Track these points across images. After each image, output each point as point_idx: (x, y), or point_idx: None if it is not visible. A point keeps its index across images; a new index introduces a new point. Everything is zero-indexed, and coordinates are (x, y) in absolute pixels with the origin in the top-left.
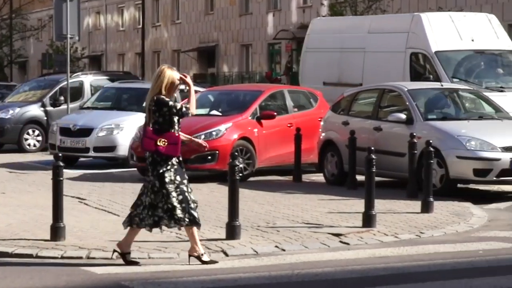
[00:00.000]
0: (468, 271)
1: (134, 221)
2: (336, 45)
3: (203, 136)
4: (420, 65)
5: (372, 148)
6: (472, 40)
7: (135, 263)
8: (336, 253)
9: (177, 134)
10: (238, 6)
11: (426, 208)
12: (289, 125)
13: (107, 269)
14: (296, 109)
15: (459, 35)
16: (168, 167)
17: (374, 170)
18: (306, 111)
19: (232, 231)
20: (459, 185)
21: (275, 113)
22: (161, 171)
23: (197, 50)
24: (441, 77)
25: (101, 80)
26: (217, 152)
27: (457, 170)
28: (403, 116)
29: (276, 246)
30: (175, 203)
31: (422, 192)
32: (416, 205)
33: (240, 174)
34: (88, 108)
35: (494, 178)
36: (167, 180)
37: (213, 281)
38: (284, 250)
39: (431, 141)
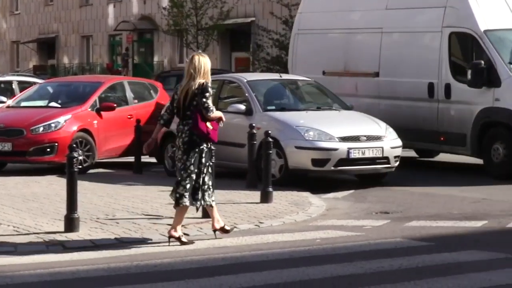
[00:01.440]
0: (305, 259)
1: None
2: (340, 25)
3: (41, 128)
4: (464, 48)
5: None
6: None
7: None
8: (176, 244)
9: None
10: None
11: (265, 198)
12: (129, 116)
13: None
14: (136, 101)
15: (510, 10)
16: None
17: (213, 161)
18: (146, 102)
19: (70, 224)
20: (299, 175)
21: (115, 105)
22: (197, 149)
23: (37, 42)
24: (496, 62)
25: None
26: (56, 144)
27: (296, 160)
28: (242, 107)
29: (116, 238)
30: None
31: (262, 182)
32: (256, 195)
33: (80, 166)
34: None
35: (332, 168)
36: (203, 161)
37: (51, 274)
38: (123, 242)
39: (270, 132)
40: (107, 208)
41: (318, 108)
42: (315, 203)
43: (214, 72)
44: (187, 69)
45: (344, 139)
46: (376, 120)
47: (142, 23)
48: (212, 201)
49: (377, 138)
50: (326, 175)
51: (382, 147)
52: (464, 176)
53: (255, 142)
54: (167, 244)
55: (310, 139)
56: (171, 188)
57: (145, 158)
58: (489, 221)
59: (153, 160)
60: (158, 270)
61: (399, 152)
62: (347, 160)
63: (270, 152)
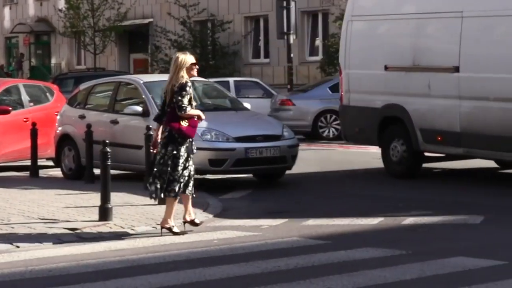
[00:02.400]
0: (202, 260)
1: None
2: (407, 9)
3: None
4: None
5: (107, 141)
6: None
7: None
8: (72, 248)
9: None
10: None
11: (163, 199)
12: (25, 119)
13: None
14: (32, 104)
15: None
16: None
17: (109, 163)
18: (42, 105)
19: None
20: (197, 176)
21: (10, 108)
22: (178, 147)
23: None
24: None
25: None
26: None
27: (194, 161)
28: (139, 108)
29: (10, 243)
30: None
31: None
32: None
33: None
34: None
35: (230, 168)
36: (178, 155)
37: None
38: (18, 246)
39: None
40: (2, 213)
41: (215, 109)
42: (212, 204)
43: (111, 73)
44: (171, 69)
45: (242, 139)
46: (273, 120)
47: (38, 25)
48: (191, 192)
49: (274, 137)
50: (224, 175)
51: (279, 147)
52: (360, 173)
53: None
54: (159, 234)
55: (207, 139)
56: (68, 192)
57: (42, 162)
58: (385, 218)
59: (50, 163)
60: (53, 274)
61: (296, 151)
62: (245, 160)
63: None
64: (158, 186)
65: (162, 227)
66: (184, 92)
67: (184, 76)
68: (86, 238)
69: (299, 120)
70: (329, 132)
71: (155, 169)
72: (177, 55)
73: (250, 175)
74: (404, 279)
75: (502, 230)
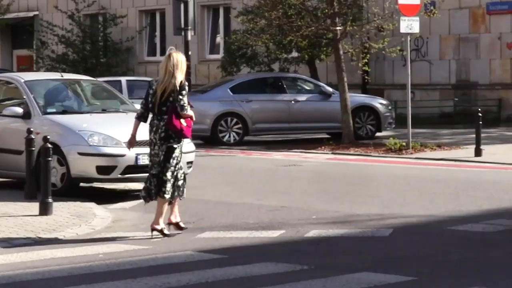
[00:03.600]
0: (85, 276)
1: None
2: None
3: None
4: None
5: None
6: None
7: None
8: None
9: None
10: None
11: (45, 210)
12: None
13: None
14: None
15: None
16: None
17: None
18: None
19: None
20: (82, 184)
21: None
22: (173, 145)
23: None
24: None
25: None
26: None
27: (79, 168)
28: (19, 110)
29: None
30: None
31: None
32: (35, 207)
33: None
34: None
35: (119, 176)
36: (173, 155)
37: None
38: None
39: (49, 137)
40: None
41: (104, 111)
42: (100, 215)
43: None
44: (165, 66)
45: None
46: None
47: None
48: (182, 193)
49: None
50: (113, 184)
51: None
52: (262, 182)
53: (33, 149)
54: (150, 237)
55: (95, 144)
56: None
57: None
58: (286, 231)
59: None
60: None
61: (192, 157)
62: (136, 167)
63: (50, 159)
64: (152, 187)
65: (152, 229)
66: (184, 92)
67: (181, 75)
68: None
69: (197, 124)
70: (229, 136)
71: (150, 170)
72: (171, 53)
73: (142, 184)
74: None
75: (412, 243)
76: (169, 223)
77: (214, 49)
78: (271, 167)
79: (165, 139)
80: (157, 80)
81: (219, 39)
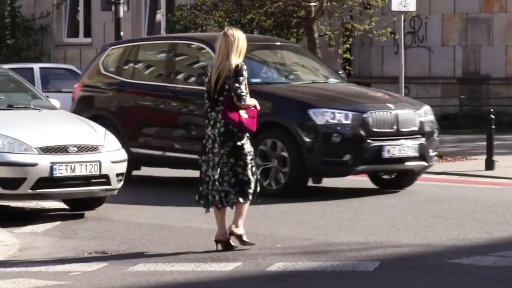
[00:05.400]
0: None
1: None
2: None
3: None
4: None
5: None
6: None
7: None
8: None
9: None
10: None
11: None
12: None
13: None
14: None
15: None
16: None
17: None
18: None
19: None
20: None
21: None
22: (239, 143)
23: None
24: None
25: None
26: None
27: None
28: None
29: None
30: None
31: None
32: None
33: None
34: None
35: (29, 191)
36: (245, 151)
37: None
38: None
39: None
40: None
41: (10, 107)
42: (3, 241)
43: None
44: (220, 47)
45: (47, 150)
46: (91, 123)
47: None
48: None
49: (93, 148)
50: (21, 201)
51: (100, 161)
52: None
53: None
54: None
55: None
56: None
57: None
58: (243, 263)
59: None
60: None
61: (123, 168)
62: (51, 180)
63: None
64: (215, 192)
65: (231, 234)
66: (241, 78)
67: (238, 57)
68: None
69: None
70: None
71: (212, 175)
72: (227, 30)
73: (59, 201)
74: None
75: (403, 280)
76: (230, 234)
77: (153, 29)
78: None
79: (226, 135)
80: (212, 63)
81: (160, 16)
